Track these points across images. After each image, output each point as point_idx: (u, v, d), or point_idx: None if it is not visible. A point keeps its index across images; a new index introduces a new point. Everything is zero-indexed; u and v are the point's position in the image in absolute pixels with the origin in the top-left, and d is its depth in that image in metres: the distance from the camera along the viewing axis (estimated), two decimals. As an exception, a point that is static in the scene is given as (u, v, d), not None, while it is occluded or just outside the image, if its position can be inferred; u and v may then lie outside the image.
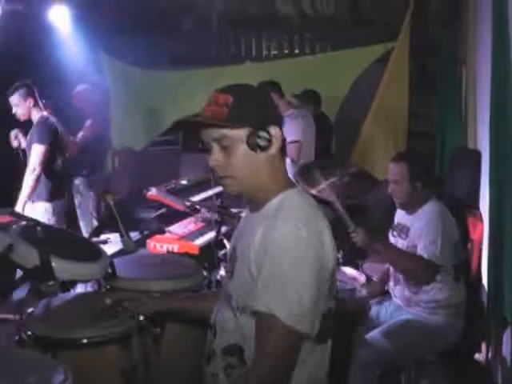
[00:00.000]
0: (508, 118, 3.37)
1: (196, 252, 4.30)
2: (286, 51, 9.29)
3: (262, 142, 1.96)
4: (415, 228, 3.67)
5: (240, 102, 1.96)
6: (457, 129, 6.13)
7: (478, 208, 4.70)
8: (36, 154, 5.29)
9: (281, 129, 2.03)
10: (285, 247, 1.86)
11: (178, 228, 4.67)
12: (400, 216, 3.90)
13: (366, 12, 9.16)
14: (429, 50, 7.73)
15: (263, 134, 1.96)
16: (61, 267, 2.58)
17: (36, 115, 5.45)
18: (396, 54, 6.75)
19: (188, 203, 4.78)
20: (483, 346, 4.22)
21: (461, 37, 6.36)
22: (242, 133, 1.96)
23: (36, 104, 5.45)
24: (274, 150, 1.99)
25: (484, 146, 4.53)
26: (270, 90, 5.68)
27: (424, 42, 7.71)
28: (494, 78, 3.66)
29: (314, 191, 5.04)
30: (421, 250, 3.53)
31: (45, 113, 5.50)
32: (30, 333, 2.57)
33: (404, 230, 3.78)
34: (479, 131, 5.22)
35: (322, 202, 5.16)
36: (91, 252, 2.92)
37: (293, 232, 1.87)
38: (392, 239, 3.89)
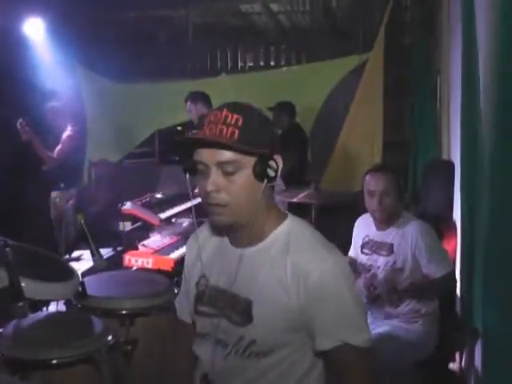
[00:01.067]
0: (477, 128, 3.38)
1: (170, 266, 4.31)
2: (262, 63, 9.31)
3: (271, 173, 1.79)
4: (403, 243, 3.59)
5: (250, 125, 1.78)
6: (431, 140, 6.17)
7: (452, 220, 4.72)
8: None
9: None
10: (338, 279, 1.80)
11: (153, 242, 4.68)
12: (368, 232, 3.81)
13: (341, 24, 9.22)
14: (404, 61, 7.80)
15: (273, 163, 1.80)
16: (30, 288, 2.57)
17: None
18: (370, 64, 6.82)
19: (162, 217, 4.80)
20: (457, 356, 4.24)
21: (435, 48, 6.41)
22: (251, 159, 1.78)
23: None
24: (275, 179, 1.84)
25: (457, 157, 4.55)
26: (200, 100, 5.78)
27: (399, 53, 7.80)
28: (464, 88, 3.68)
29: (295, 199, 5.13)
30: (435, 270, 3.56)
31: None
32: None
33: (384, 247, 3.68)
34: (453, 142, 5.24)
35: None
36: (62, 271, 2.92)
37: (332, 263, 1.80)
38: (363, 257, 3.81)
